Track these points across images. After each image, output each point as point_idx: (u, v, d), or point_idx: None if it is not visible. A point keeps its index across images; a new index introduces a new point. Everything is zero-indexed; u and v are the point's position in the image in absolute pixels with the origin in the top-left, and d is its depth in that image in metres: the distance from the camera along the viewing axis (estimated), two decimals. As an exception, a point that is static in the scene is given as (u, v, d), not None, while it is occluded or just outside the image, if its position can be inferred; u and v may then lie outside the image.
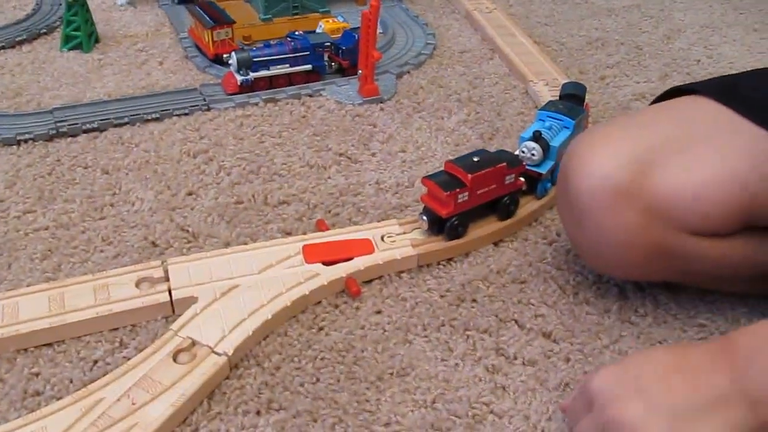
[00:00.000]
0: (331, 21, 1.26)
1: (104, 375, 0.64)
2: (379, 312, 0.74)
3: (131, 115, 1.05)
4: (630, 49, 1.37)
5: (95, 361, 0.67)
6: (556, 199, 0.75)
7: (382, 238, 0.80)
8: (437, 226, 0.80)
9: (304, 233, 0.82)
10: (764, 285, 0.74)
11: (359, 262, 0.77)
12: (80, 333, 0.70)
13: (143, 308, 0.71)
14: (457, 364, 0.68)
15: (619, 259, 0.69)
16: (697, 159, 0.66)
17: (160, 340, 0.67)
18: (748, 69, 1.30)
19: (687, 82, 0.77)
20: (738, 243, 0.68)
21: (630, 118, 0.73)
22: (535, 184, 0.87)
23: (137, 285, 0.73)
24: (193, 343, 0.67)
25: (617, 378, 0.55)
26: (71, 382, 0.65)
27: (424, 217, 0.79)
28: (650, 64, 1.32)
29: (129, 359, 0.66)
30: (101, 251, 0.81)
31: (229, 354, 0.65)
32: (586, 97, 0.95)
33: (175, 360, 0.65)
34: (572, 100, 0.94)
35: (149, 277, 0.74)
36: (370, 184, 0.93)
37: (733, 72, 1.29)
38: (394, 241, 0.80)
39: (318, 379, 0.66)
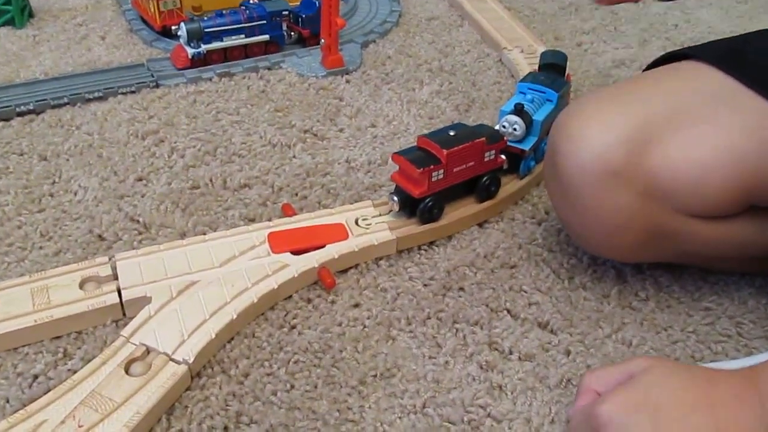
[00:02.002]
0: (288, -12, 1.17)
1: (46, 393, 0.56)
2: (357, 305, 0.66)
3: (71, 95, 0.95)
4: (605, 14, 1.31)
5: (35, 377, 0.59)
6: (544, 175, 0.68)
7: (356, 222, 0.72)
8: (409, 207, 0.72)
9: (269, 219, 0.74)
10: (760, 265, 0.69)
11: (332, 250, 0.69)
12: (17, 344, 0.61)
13: (89, 312, 0.62)
14: (447, 362, 0.61)
15: (611, 242, 0.64)
16: (699, 138, 0.60)
17: (110, 349, 0.58)
18: (728, 34, 1.26)
19: (670, 50, 0.70)
20: (737, 225, 0.63)
21: (623, 87, 0.66)
22: (517, 161, 0.80)
23: (81, 286, 0.64)
24: (148, 351, 0.58)
25: (631, 409, 0.48)
26: (7, 401, 0.56)
27: (395, 198, 0.72)
28: (627, 30, 1.26)
29: (74, 372, 0.57)
30: (40, 248, 0.72)
31: (190, 361, 0.57)
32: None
33: (127, 371, 0.57)
34: (552, 70, 0.87)
35: (95, 276, 0.65)
36: (339, 163, 0.85)
37: (713, 37, 1.25)
38: (369, 225, 0.72)
39: (292, 386, 0.58)
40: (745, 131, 0.59)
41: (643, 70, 0.71)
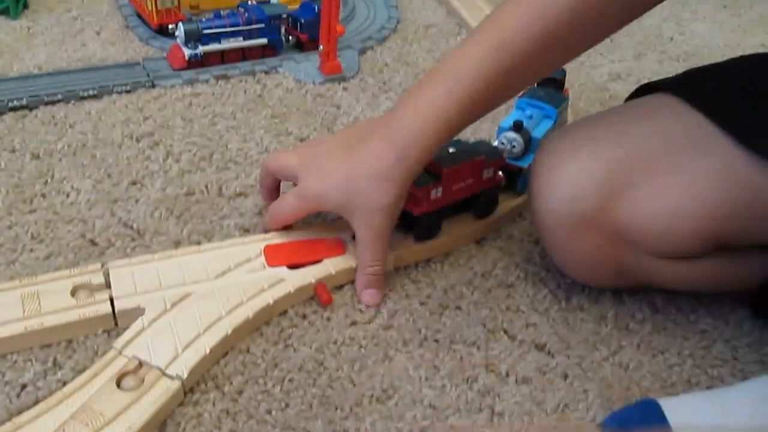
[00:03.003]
0: (287, -10, 1.16)
1: (35, 403, 0.55)
2: (353, 323, 0.65)
3: (65, 92, 0.93)
4: (602, 27, 1.30)
5: (23, 386, 0.57)
6: (526, 204, 0.70)
7: (353, 237, 0.71)
8: (407, 224, 0.72)
9: (266, 231, 0.73)
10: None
11: (329, 265, 0.68)
12: (5, 351, 0.59)
13: (81, 321, 0.61)
14: (444, 386, 0.60)
15: (586, 274, 0.68)
16: (669, 186, 0.61)
17: (102, 362, 0.57)
18: (723, 48, 1.27)
19: (656, 80, 0.72)
20: (706, 264, 0.65)
21: (597, 125, 0.67)
22: (515, 178, 0.79)
23: (73, 293, 0.63)
24: (141, 365, 0.57)
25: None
26: (-6, 412, 0.55)
27: None
28: (623, 42, 1.26)
29: (64, 383, 0.56)
30: (31, 250, 0.70)
31: (183, 377, 0.56)
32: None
33: (119, 385, 0.56)
34: (551, 85, 0.87)
35: (87, 283, 0.64)
36: (336, 173, 0.84)
37: (707, 51, 1.25)
38: (366, 240, 0.71)
39: (287, 405, 0.58)
40: (715, 177, 0.60)
41: (626, 100, 0.72)
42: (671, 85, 0.66)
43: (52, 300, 0.62)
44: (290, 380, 0.59)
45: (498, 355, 0.63)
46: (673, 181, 0.61)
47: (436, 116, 0.62)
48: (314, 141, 0.70)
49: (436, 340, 0.64)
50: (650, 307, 0.70)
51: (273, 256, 0.68)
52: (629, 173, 0.61)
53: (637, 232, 0.61)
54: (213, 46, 1.00)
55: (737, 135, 0.60)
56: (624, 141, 0.63)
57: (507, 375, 0.62)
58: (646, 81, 0.72)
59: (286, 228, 0.72)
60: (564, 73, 0.88)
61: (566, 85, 0.89)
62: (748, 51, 1.22)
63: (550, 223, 0.64)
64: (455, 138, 0.67)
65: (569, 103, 0.90)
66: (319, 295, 0.66)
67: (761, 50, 1.25)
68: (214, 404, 0.57)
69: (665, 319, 0.69)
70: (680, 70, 0.70)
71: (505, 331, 0.66)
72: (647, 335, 0.67)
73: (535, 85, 0.88)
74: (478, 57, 0.61)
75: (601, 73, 1.14)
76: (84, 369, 0.57)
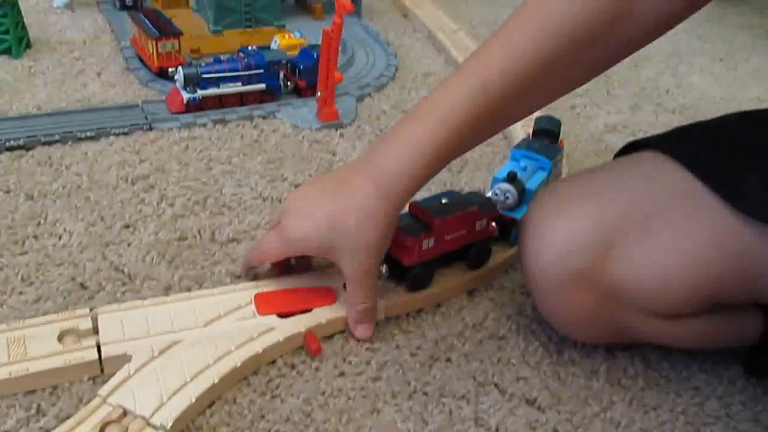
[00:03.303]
0: (287, 36, 1.17)
1: (16, 451, 0.54)
2: (342, 374, 0.64)
3: (63, 133, 0.94)
4: (598, 77, 1.31)
5: (5, 433, 0.57)
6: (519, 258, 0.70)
7: (344, 286, 0.71)
8: (399, 274, 0.71)
9: (256, 278, 0.73)
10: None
11: (320, 315, 0.68)
12: (-12, 397, 0.59)
13: (66, 368, 0.60)
14: (432, 440, 0.59)
15: (576, 331, 0.68)
16: (661, 245, 0.61)
17: (86, 409, 0.56)
18: (719, 101, 1.28)
19: (645, 137, 0.72)
20: (699, 323, 0.65)
21: (589, 182, 0.67)
22: (508, 229, 0.79)
23: (60, 338, 0.62)
24: (125, 413, 0.56)
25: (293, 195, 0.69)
26: (-26, 459, 0.55)
27: (384, 264, 0.70)
28: (620, 94, 1.27)
29: (47, 431, 0.55)
30: (20, 293, 0.70)
31: (168, 426, 0.55)
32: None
33: (102, 435, 0.55)
34: (546, 136, 0.87)
35: (75, 328, 0.63)
36: (330, 221, 0.84)
37: (704, 104, 1.26)
38: (357, 289, 0.71)
39: (272, 458, 0.57)
40: (707, 236, 0.60)
41: (615, 156, 0.73)
42: (660, 143, 0.67)
43: (39, 345, 0.61)
44: (276, 432, 0.59)
45: (488, 409, 0.63)
46: (665, 239, 0.61)
47: (420, 153, 0.62)
48: (295, 191, 0.70)
49: (426, 393, 0.63)
50: (643, 362, 0.69)
51: (263, 305, 0.67)
52: (621, 230, 0.61)
53: (629, 289, 0.61)
54: (212, 91, 1.01)
55: (725, 195, 0.60)
56: (616, 198, 0.63)
57: (497, 430, 0.61)
58: (641, 133, 0.73)
59: (278, 273, 0.72)
60: (559, 124, 0.89)
61: (561, 136, 0.90)
62: (744, 104, 1.24)
63: (541, 278, 0.64)
64: (448, 189, 0.67)
65: (564, 154, 0.90)
66: (308, 345, 0.65)
67: (757, 103, 1.27)
68: (197, 455, 0.56)
69: (658, 375, 0.68)
70: (676, 123, 0.71)
71: (496, 385, 0.65)
72: (639, 391, 0.66)
73: (530, 136, 0.89)
74: (459, 98, 0.61)
75: (596, 124, 1.15)
76: (68, 417, 0.56)
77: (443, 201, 0.72)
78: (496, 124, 0.66)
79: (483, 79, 0.61)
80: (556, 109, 1.16)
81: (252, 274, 0.74)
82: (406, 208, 0.71)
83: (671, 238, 0.61)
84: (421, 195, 0.75)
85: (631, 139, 0.74)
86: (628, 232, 0.61)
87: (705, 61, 1.48)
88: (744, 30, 1.71)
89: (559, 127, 0.89)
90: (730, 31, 1.69)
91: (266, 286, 0.70)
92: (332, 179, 0.68)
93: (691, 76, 1.39)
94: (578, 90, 1.23)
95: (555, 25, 0.59)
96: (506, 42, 0.61)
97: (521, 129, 1.02)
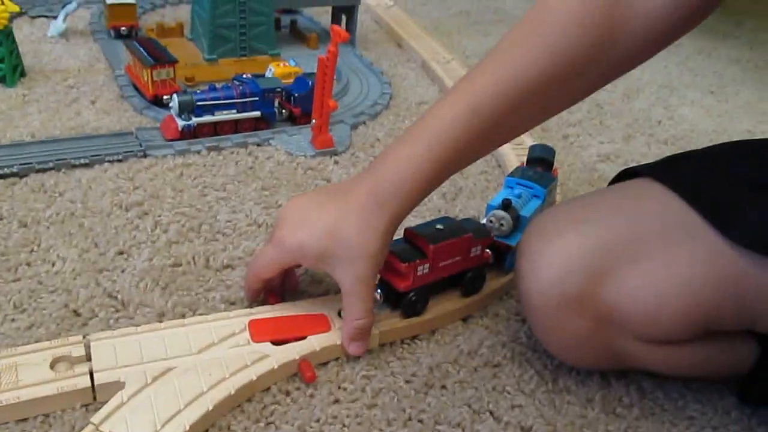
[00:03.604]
0: (281, 65, 1.18)
1: (6, 481, 0.53)
2: (336, 401, 0.64)
3: (57, 160, 0.94)
4: (591, 107, 1.33)
5: (-5, 462, 0.56)
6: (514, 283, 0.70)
7: (338, 314, 0.71)
8: (393, 300, 0.71)
9: (251, 305, 0.72)
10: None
11: (314, 342, 0.67)
12: (-20, 424, 0.58)
13: (58, 395, 0.59)
14: (428, 469, 0.59)
15: (571, 357, 0.68)
16: (655, 271, 0.61)
17: (78, 438, 0.56)
18: (710, 133, 1.30)
19: (637, 165, 0.73)
20: (693, 349, 0.65)
21: (584, 207, 0.67)
22: (503, 256, 0.79)
23: (52, 366, 0.62)
24: (118, 441, 0.56)
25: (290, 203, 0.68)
26: (-36, 489, 0.54)
27: (379, 290, 0.70)
28: (612, 124, 1.28)
29: (38, 460, 0.55)
30: (12, 320, 0.69)
31: (161, 455, 0.55)
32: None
33: (94, 463, 0.54)
34: (540, 164, 0.88)
35: (67, 355, 0.63)
36: (324, 248, 0.84)
37: (696, 135, 1.27)
38: (352, 316, 0.71)
39: (266, 486, 0.56)
40: (700, 262, 0.61)
41: (609, 183, 0.74)
42: (653, 171, 0.67)
43: (31, 372, 0.61)
44: (270, 460, 0.58)
45: (483, 437, 0.62)
46: (659, 265, 0.61)
47: (416, 169, 0.63)
48: (290, 201, 0.69)
49: (420, 421, 0.63)
50: (638, 391, 0.69)
51: (257, 332, 0.67)
52: (616, 256, 0.61)
53: (623, 315, 0.61)
54: (206, 118, 1.02)
55: (717, 224, 0.60)
56: (610, 224, 0.64)
57: (492, 459, 0.61)
58: (634, 162, 0.74)
59: (273, 301, 0.72)
60: (553, 152, 0.89)
61: (555, 165, 0.90)
62: (735, 136, 1.25)
63: (537, 303, 0.64)
64: (443, 215, 0.67)
65: (558, 182, 0.91)
66: (302, 373, 0.65)
67: (747, 136, 1.28)
68: (191, 484, 0.56)
69: (653, 404, 0.68)
70: (668, 154, 0.72)
71: (491, 413, 0.65)
72: (634, 420, 0.66)
73: (525, 164, 0.89)
74: (450, 119, 0.62)
75: (590, 153, 1.16)
76: (59, 445, 0.56)
77: (438, 227, 0.72)
78: (490, 142, 0.67)
79: (473, 100, 0.62)
80: (550, 138, 1.17)
81: (259, 299, 0.73)
82: (401, 234, 0.72)
83: (664, 264, 0.61)
84: (415, 222, 0.75)
85: (623, 168, 0.74)
86: (622, 257, 0.61)
87: (696, 93, 1.50)
88: (734, 64, 1.73)
89: (553, 156, 0.89)
90: (720, 65, 1.71)
91: (260, 313, 0.70)
92: (329, 190, 0.69)
93: (682, 108, 1.40)
94: (571, 120, 1.25)
95: (551, 44, 0.60)
96: (499, 63, 0.62)
97: (515, 157, 1.03)
